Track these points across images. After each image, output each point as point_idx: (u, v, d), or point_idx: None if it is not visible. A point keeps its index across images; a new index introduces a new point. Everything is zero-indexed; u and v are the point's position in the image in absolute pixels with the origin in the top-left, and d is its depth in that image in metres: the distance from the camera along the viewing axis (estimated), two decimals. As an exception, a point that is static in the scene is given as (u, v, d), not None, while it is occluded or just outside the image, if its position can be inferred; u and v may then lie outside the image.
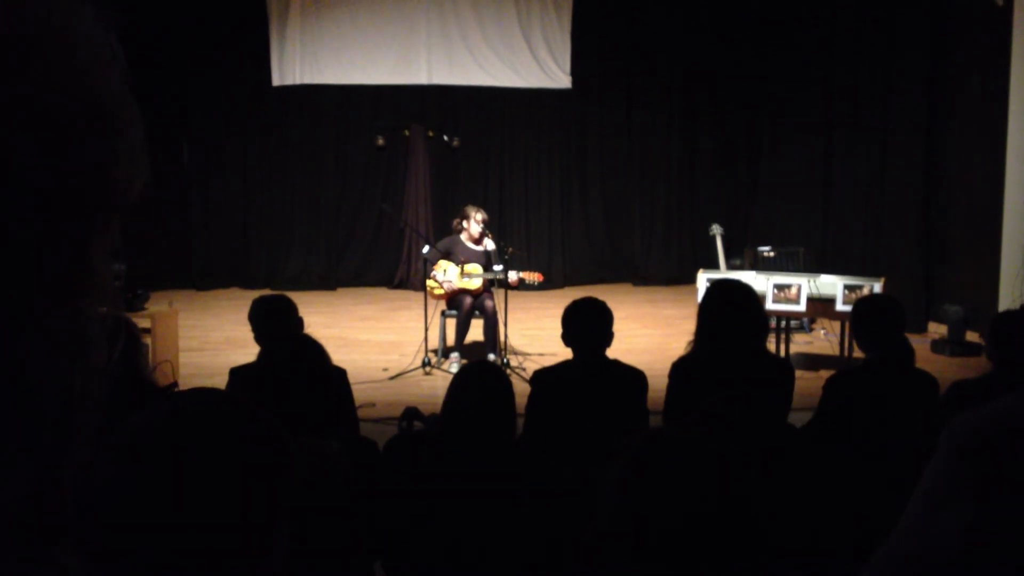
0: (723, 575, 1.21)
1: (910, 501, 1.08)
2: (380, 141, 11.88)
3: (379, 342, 8.34)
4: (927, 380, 3.52)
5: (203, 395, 1.09)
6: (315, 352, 2.69)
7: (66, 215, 0.46)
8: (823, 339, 8.28)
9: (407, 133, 11.93)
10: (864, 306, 3.69)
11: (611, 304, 3.68)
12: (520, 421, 3.14)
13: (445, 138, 11.95)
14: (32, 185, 0.44)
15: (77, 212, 0.46)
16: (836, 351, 7.26)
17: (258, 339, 3.77)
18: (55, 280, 0.46)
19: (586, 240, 12.52)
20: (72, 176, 0.45)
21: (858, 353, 4.38)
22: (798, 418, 3.73)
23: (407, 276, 11.76)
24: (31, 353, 0.45)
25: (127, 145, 0.49)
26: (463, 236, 7.31)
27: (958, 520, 0.98)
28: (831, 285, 6.83)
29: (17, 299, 0.44)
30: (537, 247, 11.94)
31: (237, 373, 3.59)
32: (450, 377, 2.81)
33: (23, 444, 0.46)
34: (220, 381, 4.31)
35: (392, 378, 6.94)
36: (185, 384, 6.52)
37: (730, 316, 3.29)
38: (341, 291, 11.68)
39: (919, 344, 5.45)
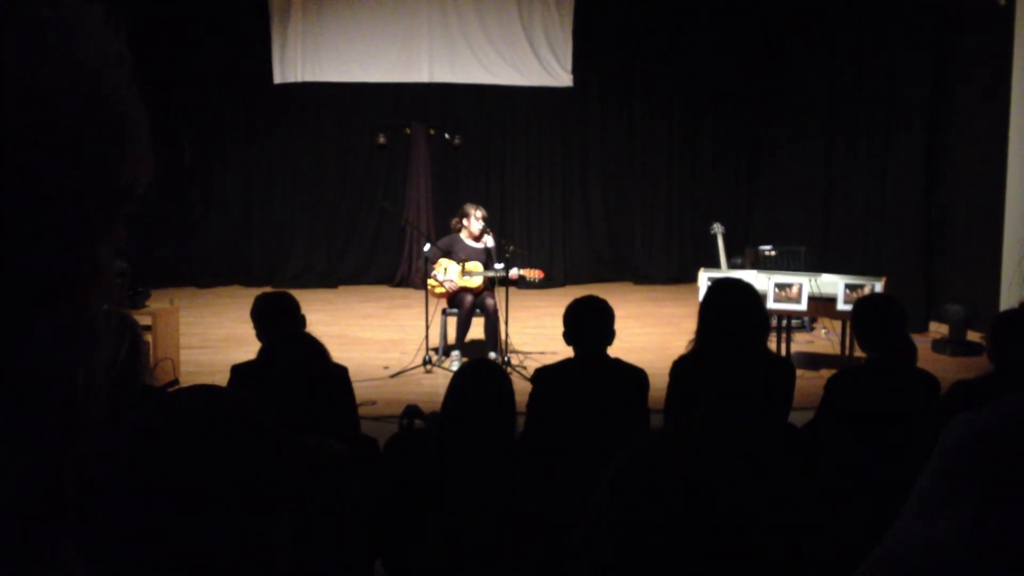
0: None
1: (907, 501, 1.08)
2: (381, 139, 11.89)
3: (380, 340, 8.34)
4: (928, 380, 3.51)
5: (204, 393, 1.09)
6: (316, 350, 2.69)
7: (72, 212, 0.46)
8: (824, 338, 8.28)
9: (408, 131, 11.94)
10: (865, 306, 3.69)
11: (612, 303, 3.68)
12: (521, 419, 3.14)
13: (446, 136, 11.95)
14: (40, 181, 0.44)
15: (83, 209, 0.46)
16: (837, 350, 7.26)
17: (260, 336, 3.77)
18: (60, 275, 0.46)
19: (587, 239, 12.52)
20: (79, 173, 0.46)
21: (859, 352, 4.38)
22: (799, 417, 3.73)
23: (408, 274, 11.77)
24: (35, 348, 0.46)
25: (133, 144, 0.49)
26: (463, 234, 7.31)
27: (956, 521, 0.98)
28: (832, 284, 6.82)
29: (23, 293, 0.44)
30: (538, 245, 11.94)
31: (238, 370, 3.59)
32: (451, 375, 2.81)
33: (26, 439, 0.46)
34: (221, 378, 4.32)
35: (393, 376, 6.95)
36: (186, 382, 6.53)
37: (731, 315, 3.28)
38: (342, 289, 11.68)
39: (920, 344, 5.45)
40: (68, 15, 0.46)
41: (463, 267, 7.15)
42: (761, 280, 6.83)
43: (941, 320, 8.50)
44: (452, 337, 7.26)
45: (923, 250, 9.11)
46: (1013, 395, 1.04)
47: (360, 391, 4.62)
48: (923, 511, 1.03)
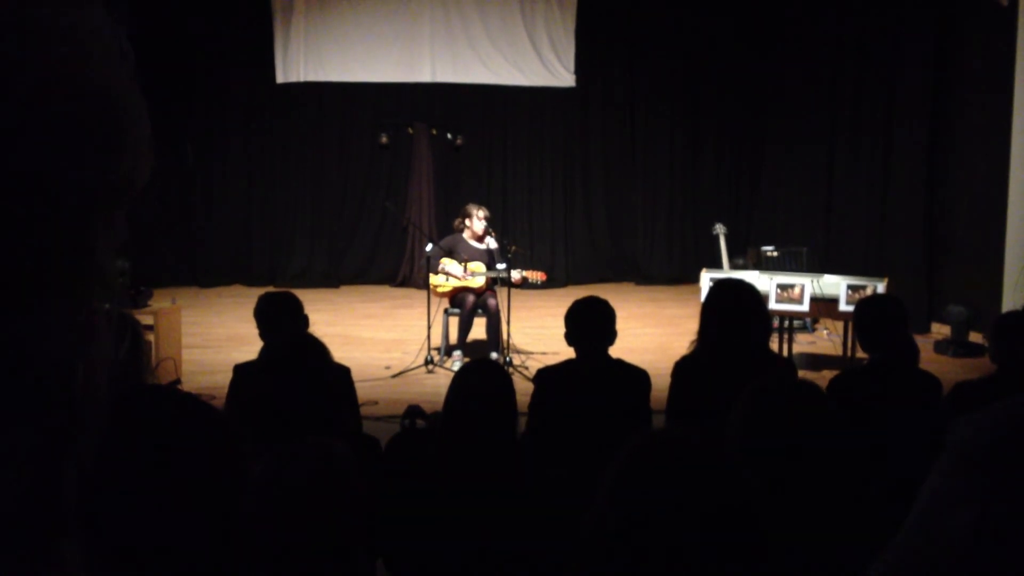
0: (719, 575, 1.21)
1: (916, 502, 1.08)
2: (383, 139, 11.89)
3: (382, 340, 8.34)
4: (930, 381, 3.51)
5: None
6: (317, 350, 2.69)
7: (69, 205, 0.46)
8: (826, 339, 8.28)
9: (411, 131, 11.93)
10: (867, 306, 3.68)
11: (614, 303, 3.68)
12: (522, 420, 3.13)
13: (449, 136, 11.95)
14: (37, 174, 0.44)
15: (80, 202, 0.46)
16: (839, 351, 7.25)
17: (263, 336, 3.77)
18: (58, 269, 0.46)
19: (589, 239, 12.51)
20: (79, 168, 0.46)
21: (861, 353, 4.38)
22: (800, 418, 3.72)
23: (410, 274, 11.77)
24: (32, 342, 0.45)
25: (133, 140, 0.49)
26: (466, 235, 7.32)
27: (964, 521, 0.98)
28: (834, 285, 6.82)
29: (21, 290, 0.44)
30: (540, 246, 11.94)
31: (241, 370, 3.60)
32: (452, 375, 2.81)
33: (25, 436, 0.46)
34: (222, 378, 4.32)
35: (395, 376, 6.95)
36: (188, 381, 6.54)
37: (733, 316, 3.28)
38: (344, 289, 11.69)
39: (922, 345, 5.44)
40: (69, 10, 0.46)
41: (465, 267, 7.16)
42: (763, 281, 6.83)
43: (943, 321, 8.50)
44: (454, 337, 7.26)
45: (925, 251, 9.11)
46: (1016, 397, 1.04)
47: (362, 391, 4.62)
48: (934, 510, 1.03)
